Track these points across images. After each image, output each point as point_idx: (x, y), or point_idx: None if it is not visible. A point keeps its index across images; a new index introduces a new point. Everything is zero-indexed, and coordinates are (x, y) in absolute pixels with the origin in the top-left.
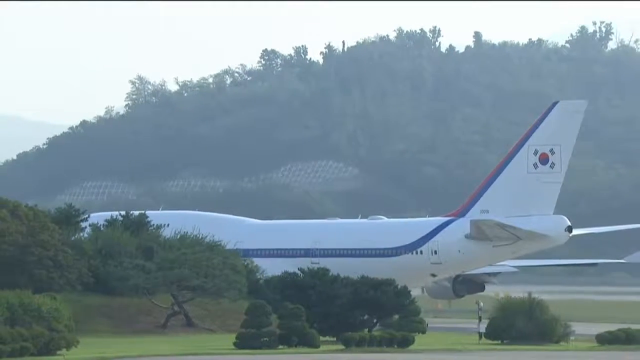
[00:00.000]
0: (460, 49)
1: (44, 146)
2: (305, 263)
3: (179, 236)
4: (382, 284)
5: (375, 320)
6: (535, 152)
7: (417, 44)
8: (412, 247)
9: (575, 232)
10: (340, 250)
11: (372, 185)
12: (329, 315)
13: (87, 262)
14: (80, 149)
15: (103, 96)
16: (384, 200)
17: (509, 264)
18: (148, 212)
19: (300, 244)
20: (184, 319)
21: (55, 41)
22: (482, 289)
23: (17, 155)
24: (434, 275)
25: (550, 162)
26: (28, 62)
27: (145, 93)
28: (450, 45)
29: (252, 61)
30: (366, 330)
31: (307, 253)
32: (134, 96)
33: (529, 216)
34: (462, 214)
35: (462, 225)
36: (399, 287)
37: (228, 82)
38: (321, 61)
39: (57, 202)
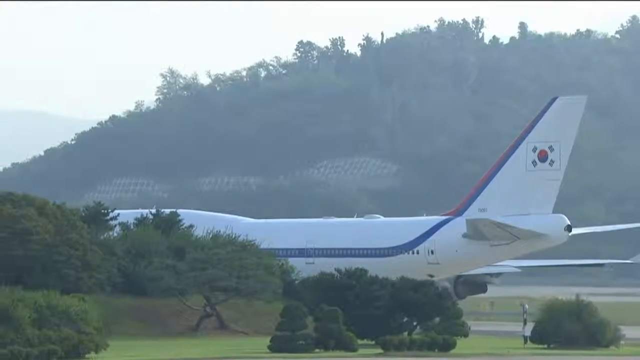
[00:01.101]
0: (505, 40)
1: (72, 142)
2: (299, 263)
3: (211, 235)
4: (422, 285)
5: (415, 323)
6: (534, 149)
7: (459, 35)
8: (409, 247)
9: (575, 231)
10: (334, 250)
11: (411, 183)
12: (367, 317)
13: (117, 262)
14: (110, 145)
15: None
16: (423, 198)
17: (511, 264)
18: (142, 211)
19: (294, 244)
20: (217, 321)
21: (84, 34)
22: (485, 289)
23: (44, 152)
24: (431, 276)
25: (549, 159)
26: (55, 57)
27: (177, 87)
28: (494, 37)
29: (287, 53)
30: (406, 333)
31: (301, 253)
32: (164, 90)
33: (527, 215)
34: (459, 212)
35: (459, 225)
36: (440, 288)
37: (262, 75)
38: (359, 53)
39: (85, 200)
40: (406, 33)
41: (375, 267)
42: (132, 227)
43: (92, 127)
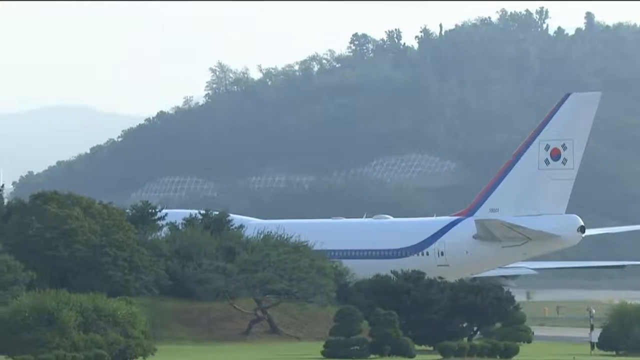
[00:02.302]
0: (570, 31)
1: (119, 140)
2: None
3: (262, 236)
4: (483, 288)
5: (475, 328)
6: (547, 148)
7: (522, 27)
8: (418, 249)
9: (589, 232)
10: (343, 252)
11: (471, 181)
12: (424, 322)
13: (165, 264)
14: (157, 142)
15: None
16: None
17: (527, 266)
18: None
19: None
20: (268, 326)
21: (131, 29)
22: None
23: (90, 149)
24: (441, 278)
25: (562, 157)
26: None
27: (227, 82)
28: (559, 28)
29: (342, 46)
30: (465, 339)
31: None
32: (214, 85)
33: (539, 215)
34: (470, 213)
35: (470, 225)
36: (502, 291)
37: (315, 69)
38: (416, 46)
39: (132, 200)
40: (466, 25)
41: (384, 270)
42: (180, 227)
43: (140, 124)
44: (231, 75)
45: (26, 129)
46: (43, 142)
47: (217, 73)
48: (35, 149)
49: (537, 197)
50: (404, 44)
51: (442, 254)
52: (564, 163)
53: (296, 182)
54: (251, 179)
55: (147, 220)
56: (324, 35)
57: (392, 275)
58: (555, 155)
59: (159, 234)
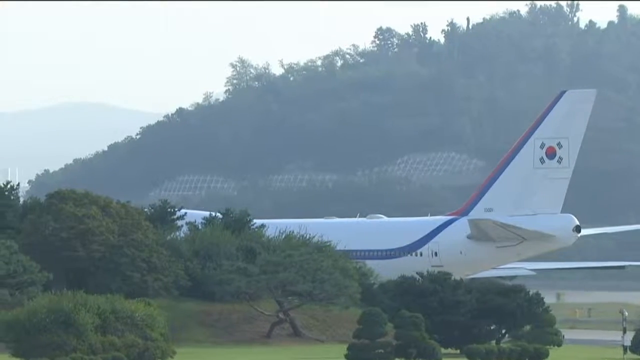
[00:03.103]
0: (602, 24)
1: (137, 137)
2: None
3: (283, 236)
4: (511, 290)
5: (503, 331)
6: (542, 146)
7: (551, 20)
8: (412, 249)
9: (584, 232)
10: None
11: None
12: (451, 324)
13: (184, 265)
14: (176, 139)
15: (201, 81)
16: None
17: (525, 267)
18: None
19: None
20: (290, 328)
21: (148, 22)
22: None
23: (107, 147)
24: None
25: (557, 156)
26: (118, 46)
27: (247, 77)
28: (590, 21)
29: (366, 41)
30: (493, 342)
31: None
32: (234, 81)
33: (534, 215)
34: (465, 212)
35: (464, 225)
36: (530, 293)
37: (338, 64)
38: (443, 40)
39: (151, 198)
40: (494, 18)
41: (377, 270)
42: (200, 227)
43: (158, 121)
44: (252, 70)
45: (42, 127)
46: (59, 139)
47: (238, 68)
48: (51, 146)
49: (532, 197)
50: (430, 38)
51: (436, 254)
52: (559, 162)
53: (319, 181)
54: (273, 178)
55: (166, 220)
56: (347, 30)
57: (417, 276)
58: (551, 153)
59: (177, 233)
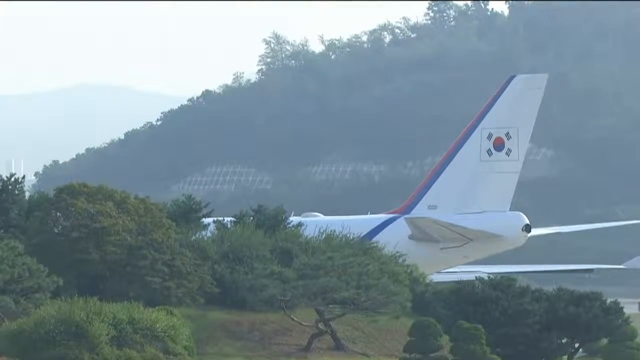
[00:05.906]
0: None
1: (158, 123)
2: None
3: (324, 236)
4: (585, 298)
5: (577, 345)
6: (489, 137)
7: None
8: None
9: (536, 231)
10: None
11: (572, 171)
12: (516, 337)
13: (211, 269)
14: (202, 125)
15: (230, 60)
16: (585, 188)
17: (483, 270)
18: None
19: None
20: (331, 341)
21: None
22: None
23: (124, 135)
24: None
25: (506, 148)
26: (141, 25)
27: (283, 55)
28: None
29: (418, 14)
30: (565, 357)
31: None
32: (268, 59)
33: (481, 213)
34: (407, 210)
35: (405, 225)
36: (607, 302)
37: (387, 40)
38: (506, 13)
39: (173, 193)
40: None
41: None
42: (229, 225)
43: (182, 105)
44: (288, 47)
45: (50, 112)
46: (69, 126)
47: (272, 45)
48: (60, 134)
49: (479, 193)
50: (492, 10)
51: None
52: (507, 154)
53: (364, 173)
54: (312, 169)
55: (191, 218)
56: (396, 1)
57: (477, 282)
58: (499, 145)
59: (204, 233)
